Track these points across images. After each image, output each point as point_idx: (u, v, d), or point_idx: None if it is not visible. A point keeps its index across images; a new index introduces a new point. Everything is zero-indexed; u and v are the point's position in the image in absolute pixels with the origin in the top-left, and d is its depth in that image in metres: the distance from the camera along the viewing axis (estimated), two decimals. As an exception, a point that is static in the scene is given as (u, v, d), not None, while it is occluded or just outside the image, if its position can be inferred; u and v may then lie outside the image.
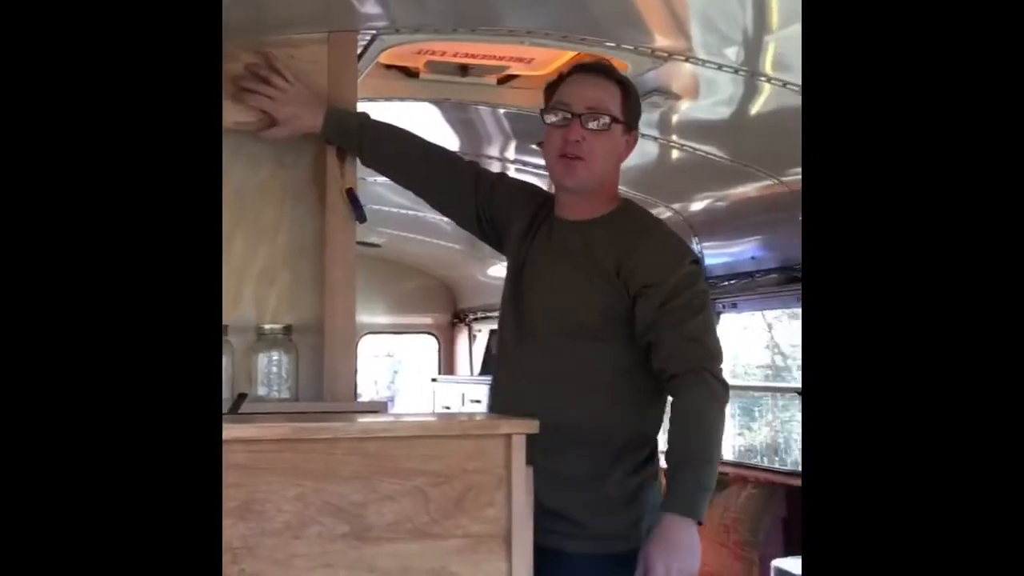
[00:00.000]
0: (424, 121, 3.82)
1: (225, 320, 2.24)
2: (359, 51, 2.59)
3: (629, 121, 2.24)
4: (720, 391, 2.10)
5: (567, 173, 2.21)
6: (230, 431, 1.59)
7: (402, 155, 2.41)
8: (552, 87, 2.28)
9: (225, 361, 2.21)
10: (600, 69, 2.27)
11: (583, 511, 2.08)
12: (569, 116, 2.19)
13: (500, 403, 2.25)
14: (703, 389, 2.08)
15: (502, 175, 2.47)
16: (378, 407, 2.34)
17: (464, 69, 3.29)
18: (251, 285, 2.34)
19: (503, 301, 2.30)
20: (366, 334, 7.97)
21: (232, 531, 1.52)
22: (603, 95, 2.22)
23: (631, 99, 2.25)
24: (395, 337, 9.16)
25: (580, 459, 2.08)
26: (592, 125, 2.18)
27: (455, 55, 3.16)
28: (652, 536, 2.02)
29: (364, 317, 7.17)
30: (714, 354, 2.14)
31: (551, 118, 2.22)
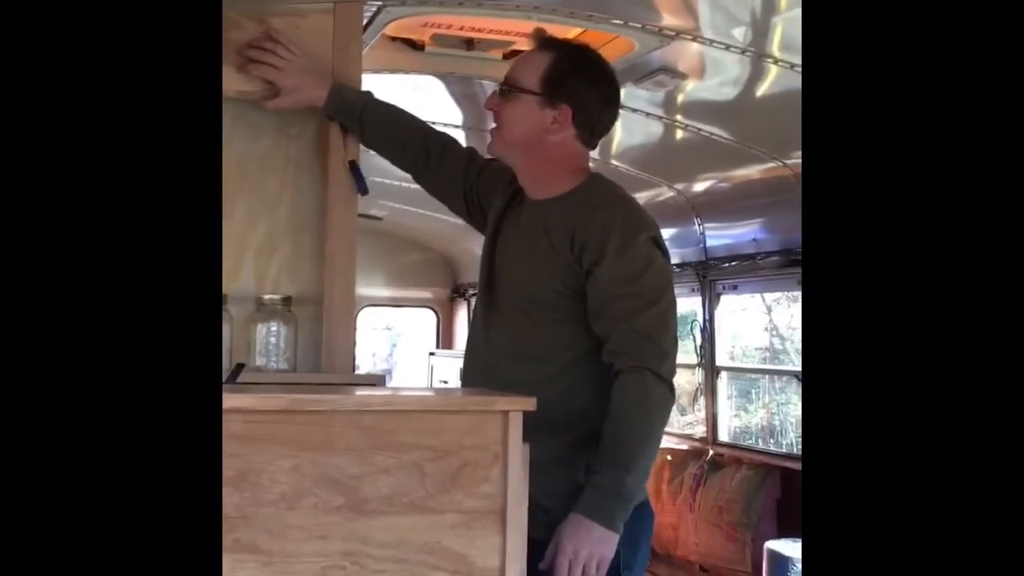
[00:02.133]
0: (428, 94, 3.82)
1: (225, 290, 2.24)
2: (364, 22, 2.58)
3: (547, 93, 2.14)
4: (660, 396, 2.02)
5: (488, 143, 2.26)
6: (227, 401, 1.59)
7: (400, 138, 2.38)
8: None
9: (224, 331, 2.21)
10: (539, 41, 2.22)
11: (550, 498, 1.96)
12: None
13: (469, 380, 2.24)
14: (641, 393, 2.01)
15: (493, 159, 2.45)
16: (376, 380, 2.34)
17: (470, 43, 3.29)
18: (251, 255, 2.33)
19: (478, 279, 2.29)
20: (365, 307, 7.99)
21: (227, 501, 1.52)
22: (521, 65, 2.21)
23: (560, 70, 2.14)
24: (394, 310, 9.17)
25: (545, 444, 1.85)
26: (502, 95, 2.19)
27: (461, 29, 3.16)
28: (567, 520, 1.98)
29: (364, 290, 7.18)
30: (665, 353, 2.04)
31: None
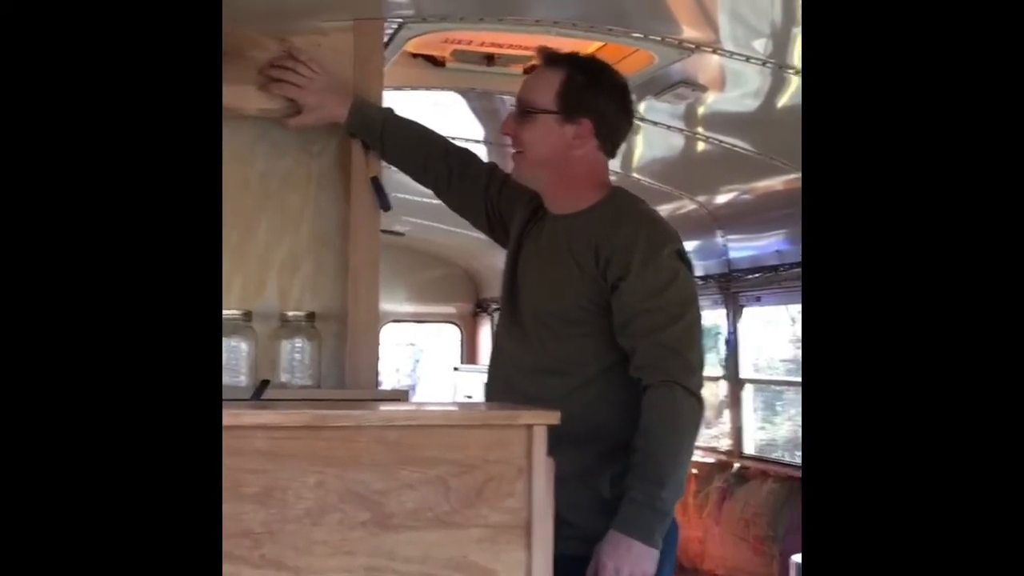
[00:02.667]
0: (449, 110, 3.83)
1: (249, 307, 2.26)
2: (385, 40, 2.59)
3: (564, 110, 2.14)
4: (689, 409, 2.02)
5: (511, 166, 2.25)
6: (252, 417, 1.60)
7: (421, 154, 2.39)
8: None
9: (248, 347, 2.22)
10: (546, 59, 2.23)
11: (575, 512, 1.95)
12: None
13: (493, 395, 2.24)
14: (671, 407, 2.01)
15: None
16: (400, 395, 2.35)
17: (490, 59, 3.30)
18: (275, 272, 2.34)
19: (500, 293, 2.29)
20: (389, 322, 8.00)
21: (253, 517, 1.53)
22: (533, 85, 2.20)
23: (574, 86, 2.15)
24: (418, 326, 9.18)
25: (569, 457, 1.83)
26: (519, 117, 2.18)
27: (481, 44, 3.16)
28: (605, 538, 1.98)
29: (387, 305, 7.19)
30: (692, 366, 2.05)
31: None
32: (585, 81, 2.16)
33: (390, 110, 2.37)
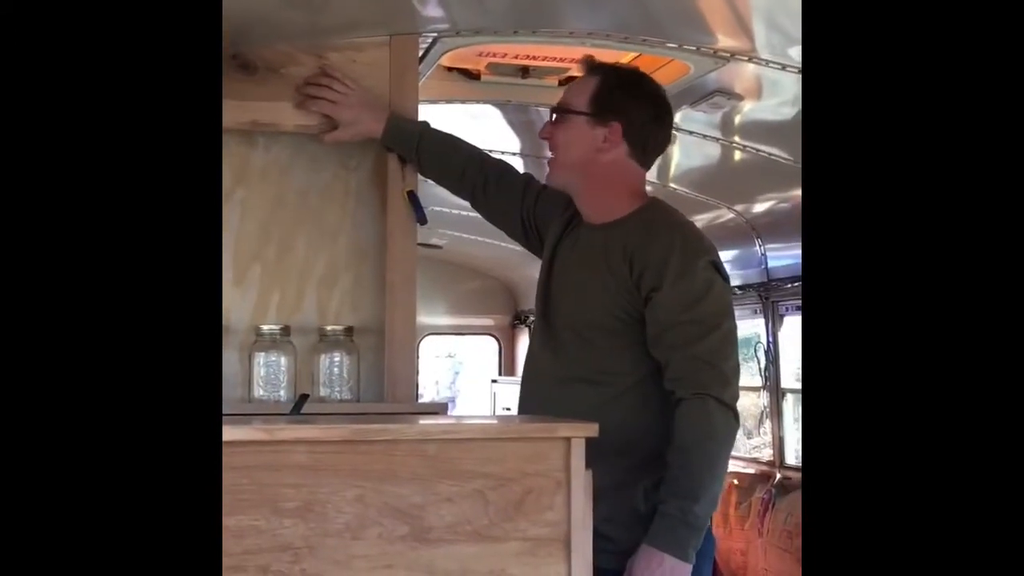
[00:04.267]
0: (485, 123, 3.84)
1: (288, 321, 2.27)
2: (420, 54, 2.60)
3: (595, 112, 2.15)
4: (724, 422, 2.01)
5: (546, 173, 2.26)
6: (291, 432, 1.61)
7: (457, 166, 2.40)
8: None
9: (287, 362, 2.24)
10: (587, 66, 2.25)
11: (608, 524, 1.94)
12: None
13: (527, 406, 2.23)
14: (705, 420, 1.99)
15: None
16: (438, 408, 2.35)
17: (525, 71, 3.30)
18: (313, 286, 2.36)
19: (535, 304, 2.29)
20: (427, 335, 8.01)
21: (293, 531, 1.53)
22: (571, 90, 2.23)
23: (606, 89, 2.16)
24: (456, 338, 9.19)
25: (604, 470, 1.80)
26: (554, 120, 2.21)
27: (516, 57, 3.17)
28: (638, 552, 1.97)
29: (425, 318, 7.19)
30: (726, 378, 2.03)
31: None
32: (618, 84, 2.18)
33: (426, 123, 2.38)
